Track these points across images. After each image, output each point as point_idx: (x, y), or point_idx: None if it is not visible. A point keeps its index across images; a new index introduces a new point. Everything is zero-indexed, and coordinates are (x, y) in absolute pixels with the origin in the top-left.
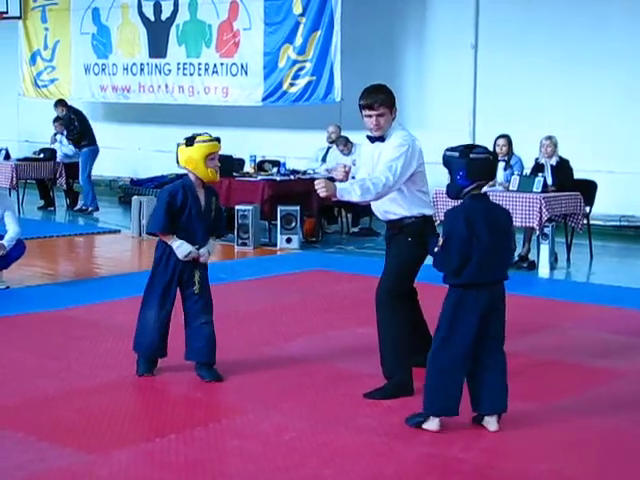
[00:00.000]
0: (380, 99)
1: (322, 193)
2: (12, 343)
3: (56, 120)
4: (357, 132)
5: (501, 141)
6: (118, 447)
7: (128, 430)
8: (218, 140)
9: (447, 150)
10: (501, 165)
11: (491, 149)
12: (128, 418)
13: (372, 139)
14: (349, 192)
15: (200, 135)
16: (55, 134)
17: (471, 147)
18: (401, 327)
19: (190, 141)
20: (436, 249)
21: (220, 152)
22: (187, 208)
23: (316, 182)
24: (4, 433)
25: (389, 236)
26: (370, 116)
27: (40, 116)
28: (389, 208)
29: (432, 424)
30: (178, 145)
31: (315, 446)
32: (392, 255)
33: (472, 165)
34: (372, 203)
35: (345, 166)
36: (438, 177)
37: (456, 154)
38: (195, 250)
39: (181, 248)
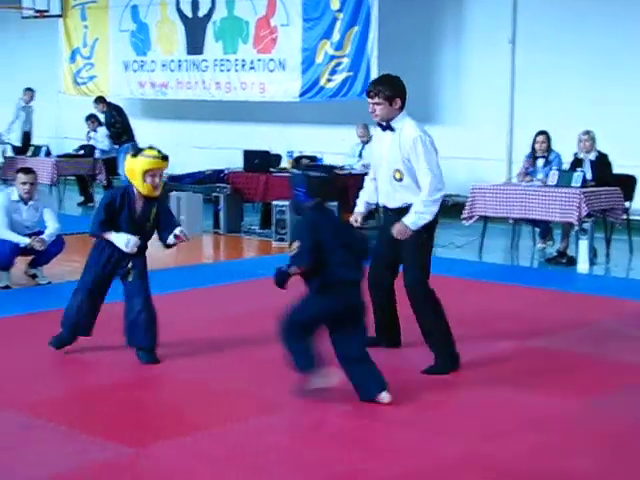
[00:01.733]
0: (378, 89)
1: (402, 236)
2: (46, 339)
3: (89, 118)
4: None
5: (540, 138)
6: (159, 440)
7: (169, 423)
8: (165, 158)
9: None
10: (540, 161)
11: (530, 146)
12: (169, 412)
13: (382, 127)
14: (420, 219)
15: (150, 149)
16: (88, 132)
17: (313, 167)
18: (440, 309)
19: (136, 153)
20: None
21: (257, 147)
22: (123, 213)
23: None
24: (48, 426)
25: (395, 221)
26: (370, 103)
27: (79, 113)
28: (404, 197)
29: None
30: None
31: (354, 441)
32: (412, 247)
33: (311, 184)
34: (384, 192)
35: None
36: (476, 174)
37: (299, 172)
38: (135, 238)
39: (119, 239)
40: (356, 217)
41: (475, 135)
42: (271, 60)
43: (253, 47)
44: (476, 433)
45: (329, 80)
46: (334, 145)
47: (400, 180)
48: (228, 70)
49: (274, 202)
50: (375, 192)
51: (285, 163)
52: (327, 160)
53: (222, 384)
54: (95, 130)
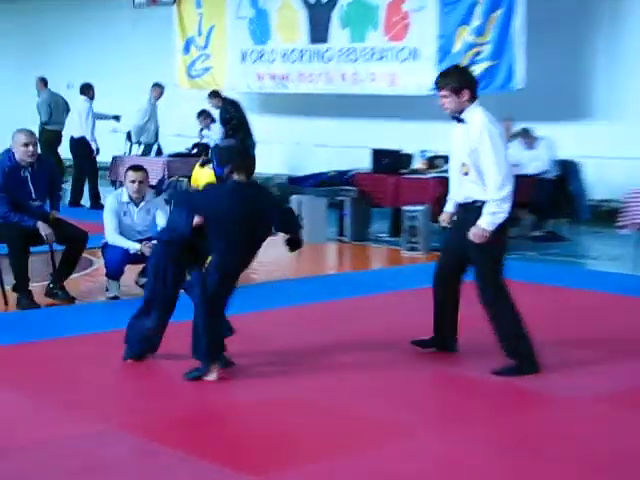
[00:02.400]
0: (445, 82)
1: (479, 239)
2: (169, 353)
3: (200, 114)
4: (542, 123)
5: None
6: (281, 469)
7: (292, 449)
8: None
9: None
10: None
11: None
12: (291, 436)
13: (456, 119)
14: (496, 219)
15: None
16: (201, 129)
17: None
18: (515, 311)
19: (204, 163)
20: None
21: (387, 146)
22: None
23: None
24: (163, 450)
25: (464, 219)
26: (439, 96)
27: (192, 108)
28: (469, 192)
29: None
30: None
31: (499, 474)
32: (478, 250)
33: (219, 154)
34: (454, 186)
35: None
36: (634, 176)
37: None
38: None
39: None
40: (444, 217)
41: (633, 131)
42: (403, 49)
43: (383, 34)
44: None
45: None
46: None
47: (466, 174)
48: (355, 60)
49: (405, 207)
50: None
51: (418, 164)
52: None
53: (348, 408)
54: (208, 127)
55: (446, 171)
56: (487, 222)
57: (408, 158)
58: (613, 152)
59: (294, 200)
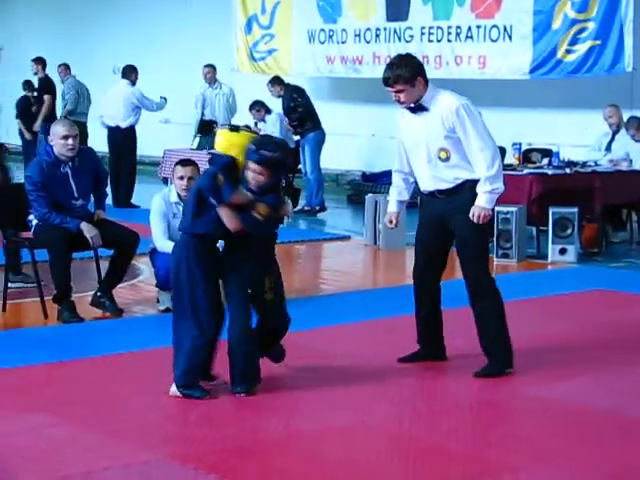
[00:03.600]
0: (395, 75)
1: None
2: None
3: (253, 106)
4: None
5: None
6: None
7: None
8: None
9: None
10: None
11: None
12: (365, 471)
13: (412, 109)
14: (494, 194)
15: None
16: (255, 123)
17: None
18: (500, 304)
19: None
20: None
21: None
22: None
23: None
24: None
25: (449, 204)
26: (390, 92)
27: (253, 95)
28: (453, 175)
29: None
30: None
31: None
32: (469, 234)
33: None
34: (427, 177)
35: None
36: None
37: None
38: None
39: None
40: (391, 218)
41: None
42: (494, 27)
43: (471, 11)
44: None
45: (569, 51)
46: (574, 135)
47: (447, 160)
48: (439, 40)
49: (497, 208)
50: (406, 186)
51: (511, 158)
52: (565, 154)
53: (435, 441)
54: (263, 120)
55: (544, 166)
56: (486, 200)
57: (501, 152)
58: None
59: (370, 199)
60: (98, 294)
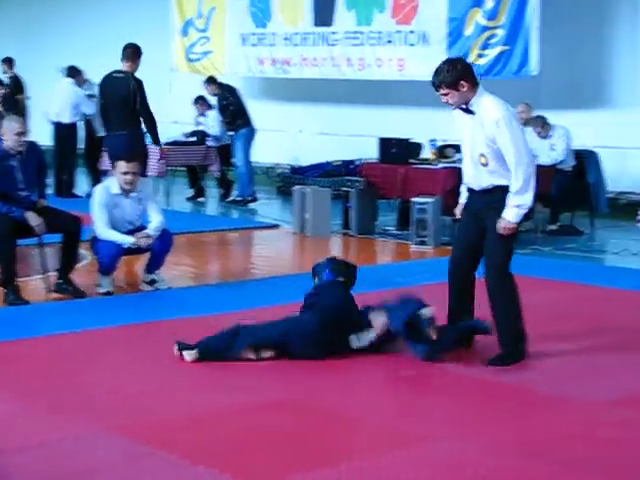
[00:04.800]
0: (439, 80)
1: (507, 232)
2: (164, 352)
3: (197, 101)
4: (557, 111)
5: None
6: (280, 475)
7: (291, 455)
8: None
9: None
10: None
11: None
12: (292, 441)
13: (463, 110)
14: (522, 209)
15: None
16: (197, 116)
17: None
18: (517, 299)
19: None
20: None
21: (395, 135)
22: None
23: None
24: (158, 454)
25: (481, 204)
26: (440, 96)
27: (191, 94)
28: (490, 180)
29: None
30: None
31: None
32: (494, 231)
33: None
34: (470, 175)
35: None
36: None
37: None
38: None
39: None
40: (460, 210)
41: None
42: (412, 32)
43: (391, 17)
44: None
45: (480, 55)
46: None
47: (485, 165)
48: (361, 44)
49: (414, 199)
50: None
51: (427, 153)
52: None
53: (354, 413)
54: (204, 114)
55: (457, 161)
56: (513, 215)
57: (417, 147)
58: (634, 142)
59: (297, 191)
60: (59, 281)
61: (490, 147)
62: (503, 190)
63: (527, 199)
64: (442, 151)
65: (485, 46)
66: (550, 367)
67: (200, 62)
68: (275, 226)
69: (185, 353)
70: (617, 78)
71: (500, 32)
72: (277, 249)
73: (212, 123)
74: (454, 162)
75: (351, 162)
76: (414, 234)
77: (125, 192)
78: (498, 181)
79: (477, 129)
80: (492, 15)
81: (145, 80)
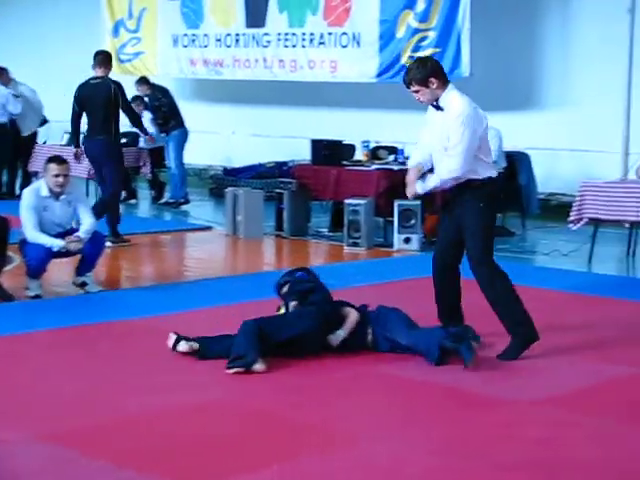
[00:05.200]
0: (409, 78)
1: (409, 194)
2: (92, 356)
3: (133, 100)
4: (489, 113)
5: None
6: (210, 479)
7: (221, 459)
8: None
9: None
10: None
11: None
12: (222, 445)
13: (435, 107)
14: (425, 188)
15: None
16: None
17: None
18: (508, 285)
19: None
20: None
21: (328, 136)
22: None
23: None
24: (82, 460)
25: (454, 199)
26: (411, 93)
27: None
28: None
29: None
30: None
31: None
32: (471, 225)
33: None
34: (438, 171)
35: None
36: (586, 168)
37: None
38: None
39: None
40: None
41: (585, 122)
42: (344, 34)
43: (323, 19)
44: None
45: (412, 58)
46: (417, 134)
47: None
48: (294, 46)
49: (347, 200)
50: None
51: (360, 155)
52: (409, 151)
53: (283, 413)
54: (141, 115)
55: (390, 162)
56: (422, 186)
57: (351, 149)
58: (564, 143)
59: (230, 193)
60: None
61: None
62: (473, 186)
63: (438, 185)
64: (375, 153)
65: (417, 48)
66: (482, 367)
67: (131, 63)
68: (208, 228)
69: (181, 344)
70: (548, 80)
71: (432, 34)
72: (210, 251)
73: (147, 124)
74: (387, 163)
75: (284, 164)
76: (347, 236)
77: (55, 195)
78: (470, 175)
79: (445, 125)
80: (424, 17)
81: (73, 82)
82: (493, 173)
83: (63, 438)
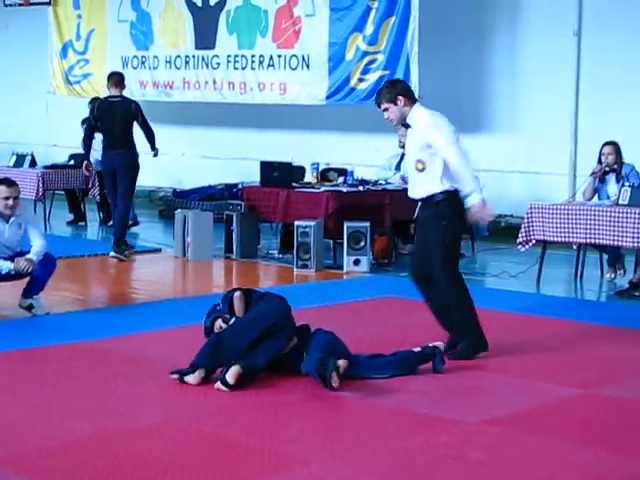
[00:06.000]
0: (380, 98)
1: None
2: (40, 379)
3: (85, 121)
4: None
5: (606, 149)
6: None
7: None
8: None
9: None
10: (610, 177)
11: (597, 158)
12: (172, 468)
13: (405, 126)
14: (476, 193)
15: None
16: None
17: None
18: (468, 294)
19: None
20: None
21: (277, 158)
22: None
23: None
24: None
25: (424, 215)
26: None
27: (70, 117)
28: (427, 187)
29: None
30: None
31: None
32: (434, 242)
33: None
34: (414, 184)
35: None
36: (534, 190)
37: None
38: None
39: None
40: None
41: (533, 145)
42: (293, 56)
43: (272, 41)
44: None
45: (361, 80)
46: (366, 156)
47: (422, 170)
48: (243, 68)
49: (296, 222)
50: None
51: (310, 177)
52: (358, 173)
53: (232, 436)
54: (93, 137)
55: (339, 184)
56: (477, 199)
57: (300, 171)
58: (512, 166)
59: (179, 215)
60: None
61: (426, 152)
62: (435, 202)
63: (477, 188)
64: (324, 174)
65: (366, 71)
66: (429, 387)
67: (80, 84)
68: (157, 250)
69: (188, 378)
70: (496, 102)
71: (380, 57)
72: (159, 273)
73: (98, 146)
74: (336, 185)
75: (234, 185)
76: (296, 257)
77: (4, 217)
78: (434, 188)
79: (414, 139)
80: (372, 40)
81: (21, 103)
82: (457, 185)
83: (10, 462)
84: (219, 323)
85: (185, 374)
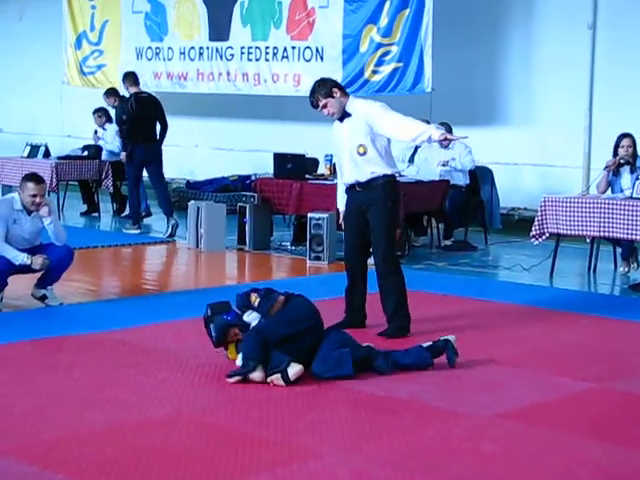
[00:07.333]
0: (315, 96)
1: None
2: (53, 369)
3: (96, 112)
4: (453, 127)
5: (625, 141)
6: None
7: (184, 473)
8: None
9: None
10: (625, 170)
11: (612, 151)
12: (184, 459)
13: (340, 119)
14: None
15: None
16: (96, 130)
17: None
18: (403, 280)
19: None
20: None
21: (291, 150)
22: None
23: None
24: (43, 474)
25: (363, 199)
26: (321, 111)
27: (84, 108)
28: (374, 169)
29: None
30: None
31: None
32: (379, 222)
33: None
34: (349, 170)
35: None
36: (547, 183)
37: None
38: None
39: None
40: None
41: (547, 138)
42: (307, 48)
43: (286, 33)
44: None
45: (375, 72)
46: None
47: (364, 154)
48: (257, 59)
49: (309, 214)
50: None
51: (323, 169)
52: None
53: (246, 428)
54: (103, 127)
55: None
56: (435, 132)
57: (314, 163)
58: (526, 158)
59: (192, 206)
60: None
61: (369, 136)
62: (381, 184)
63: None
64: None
65: (380, 62)
66: (442, 380)
67: (94, 75)
68: (170, 241)
69: (254, 375)
70: (510, 95)
71: (394, 49)
72: (171, 264)
73: (111, 137)
74: None
75: (247, 177)
76: (309, 249)
77: (27, 210)
78: (378, 170)
79: (355, 126)
80: (387, 32)
81: (35, 94)
82: (396, 169)
83: (24, 452)
84: (235, 330)
85: (246, 373)
